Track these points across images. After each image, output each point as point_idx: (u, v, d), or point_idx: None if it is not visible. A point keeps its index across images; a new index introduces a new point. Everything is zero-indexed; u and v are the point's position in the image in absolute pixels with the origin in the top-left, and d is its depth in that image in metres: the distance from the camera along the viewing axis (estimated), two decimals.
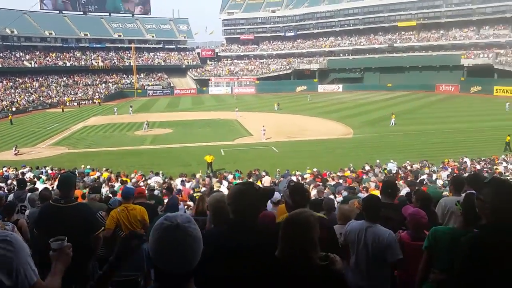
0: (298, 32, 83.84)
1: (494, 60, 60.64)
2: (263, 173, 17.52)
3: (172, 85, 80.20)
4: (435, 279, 3.15)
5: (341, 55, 78.06)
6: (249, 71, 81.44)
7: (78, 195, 8.56)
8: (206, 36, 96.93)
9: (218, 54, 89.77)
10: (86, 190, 9.94)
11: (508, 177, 14.77)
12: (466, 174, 15.03)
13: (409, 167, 18.20)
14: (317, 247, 2.30)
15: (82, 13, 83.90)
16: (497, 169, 16.98)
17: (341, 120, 39.63)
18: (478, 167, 18.06)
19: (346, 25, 78.96)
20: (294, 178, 15.10)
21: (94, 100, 65.20)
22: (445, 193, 8.39)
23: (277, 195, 5.82)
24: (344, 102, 54.72)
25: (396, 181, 12.99)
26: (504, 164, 18.99)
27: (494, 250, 2.21)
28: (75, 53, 78.09)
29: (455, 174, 13.55)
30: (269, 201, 5.83)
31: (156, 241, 1.63)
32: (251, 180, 14.49)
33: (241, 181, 3.58)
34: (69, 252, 2.36)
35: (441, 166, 18.22)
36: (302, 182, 14.34)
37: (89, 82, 73.21)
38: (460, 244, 2.43)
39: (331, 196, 9.50)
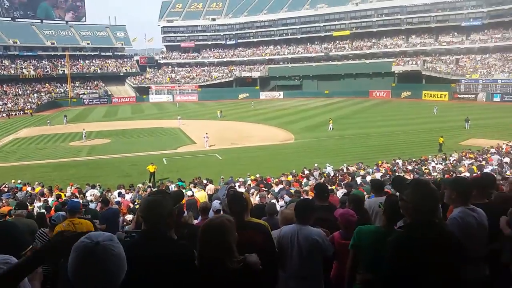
0: (238, 40, 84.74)
1: (422, 67, 65.21)
2: (206, 181, 17.46)
3: (109, 93, 77.42)
4: (362, 280, 3.23)
5: (281, 63, 79.97)
6: (191, 79, 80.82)
7: (5, 211, 7.98)
8: (145, 43, 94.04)
9: (158, 61, 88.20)
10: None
11: (437, 176, 15.96)
12: (399, 174, 16.04)
13: (345, 170, 19.03)
14: (233, 251, 2.32)
15: (9, 19, 78.58)
16: (427, 169, 18.25)
17: (282, 126, 40.49)
18: (409, 167, 19.26)
19: (284, 34, 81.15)
20: (237, 185, 15.22)
21: (26, 111, 61.18)
22: None
23: (215, 204, 5.74)
24: (285, 109, 55.99)
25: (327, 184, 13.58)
26: (433, 163, 20.43)
27: (419, 246, 2.38)
28: (3, 61, 72.91)
29: (375, 178, 14.44)
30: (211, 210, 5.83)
31: (74, 260, 1.52)
32: (194, 188, 14.40)
33: (155, 190, 3.50)
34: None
35: (375, 167, 19.24)
36: (246, 189, 14.50)
37: (20, 92, 68.59)
38: (387, 244, 2.55)
39: (274, 201, 9.72)
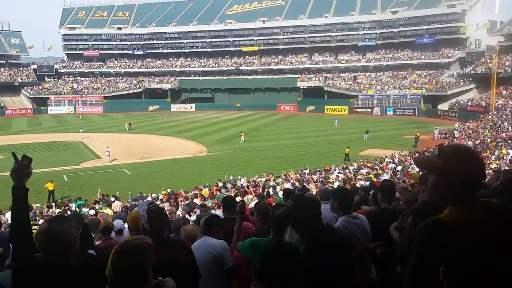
0: (147, 51, 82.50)
1: (323, 83, 69.72)
2: (113, 198, 16.56)
3: (2, 104, 69.83)
4: None
5: (192, 75, 79.61)
6: (95, 89, 76.42)
7: None
8: (44, 51, 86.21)
9: (58, 70, 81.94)
10: None
11: (339, 183, 17.06)
12: (306, 185, 16.83)
13: (257, 181, 19.50)
14: (150, 277, 2.15)
15: None
16: (329, 178, 19.44)
17: (195, 139, 40.20)
18: (315, 177, 20.37)
19: (195, 47, 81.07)
20: (149, 199, 14.68)
21: None
22: None
23: (117, 224, 5.37)
24: (197, 121, 55.71)
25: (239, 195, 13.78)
26: (336, 172, 21.83)
27: (320, 257, 2.50)
28: None
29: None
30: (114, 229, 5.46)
31: None
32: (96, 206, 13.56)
33: (53, 217, 3.18)
34: None
35: (284, 178, 20.01)
36: (157, 203, 14.04)
37: None
38: (300, 258, 2.62)
39: (186, 216, 9.56)
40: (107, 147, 30.86)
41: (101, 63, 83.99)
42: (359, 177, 18.71)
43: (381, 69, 69.19)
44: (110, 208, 13.73)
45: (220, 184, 18.84)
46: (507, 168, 14.74)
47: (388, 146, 33.50)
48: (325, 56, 75.06)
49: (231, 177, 21.41)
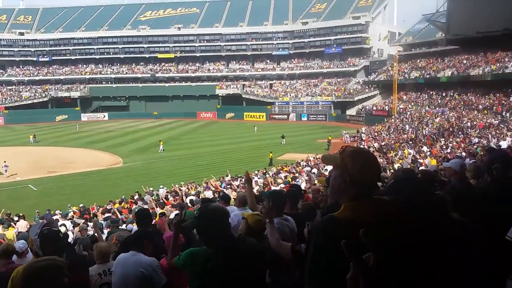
0: (53, 58, 76.81)
1: (242, 90, 70.86)
2: (16, 217, 15.07)
3: None
4: None
5: (104, 82, 75.81)
6: None
7: None
8: None
9: None
10: None
11: (259, 188, 17.39)
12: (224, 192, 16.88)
13: (178, 190, 19.09)
14: None
15: None
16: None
17: (109, 150, 38.29)
18: (236, 183, 20.54)
19: (106, 53, 77.28)
20: (56, 218, 13.64)
21: None
22: None
23: (19, 245, 4.85)
24: (111, 131, 53.10)
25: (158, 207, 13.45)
26: (256, 178, 22.23)
27: (225, 267, 2.46)
28: None
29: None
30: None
31: None
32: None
33: None
34: None
35: (204, 185, 19.89)
36: (67, 221, 13.11)
37: None
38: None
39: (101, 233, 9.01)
40: (4, 161, 28.39)
41: (2, 71, 76.43)
42: (278, 180, 19.27)
43: (295, 77, 72.23)
44: (14, 228, 12.48)
45: (137, 197, 18.12)
46: (409, 167, 16.25)
47: (304, 150, 35.02)
48: (242, 64, 76.37)
49: (150, 188, 20.73)
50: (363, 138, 36.66)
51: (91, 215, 15.08)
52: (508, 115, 31.24)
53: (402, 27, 71.66)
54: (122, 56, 76.98)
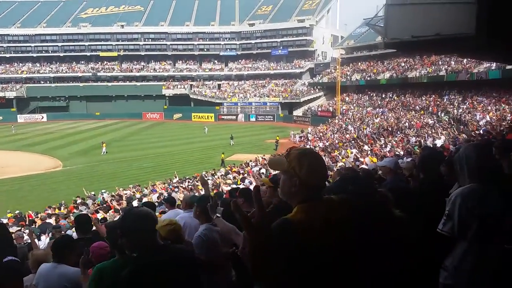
0: None
1: (189, 91, 69.97)
2: None
3: None
4: None
5: (42, 82, 71.63)
6: None
7: None
8: None
9: None
10: None
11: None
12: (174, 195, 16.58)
13: (122, 194, 18.48)
14: None
15: None
16: (198, 186, 19.53)
17: (47, 152, 36.26)
18: (184, 185, 20.25)
19: (44, 51, 73.06)
20: None
21: None
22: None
23: None
24: (50, 133, 50.28)
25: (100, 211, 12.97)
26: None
27: (148, 276, 2.32)
28: None
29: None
30: None
31: None
32: None
33: None
34: None
35: (151, 189, 19.41)
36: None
37: None
38: (120, 281, 2.33)
39: (36, 240, 8.48)
40: None
41: None
42: (228, 181, 19.25)
43: (243, 78, 72.52)
44: None
45: (79, 201, 17.30)
46: (351, 165, 16.86)
47: (253, 150, 35.26)
48: (189, 64, 75.42)
49: (92, 193, 19.88)
50: (309, 138, 37.57)
51: (27, 222, 14.17)
52: (442, 115, 33.37)
53: (345, 31, 74.33)
54: (61, 54, 73.22)
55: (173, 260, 2.44)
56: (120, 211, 11.86)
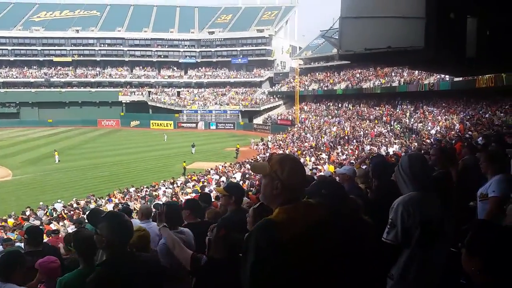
0: None
1: (147, 98, 68.67)
2: None
3: None
4: None
5: None
6: None
7: None
8: None
9: None
10: None
11: (166, 199, 16.96)
12: (129, 202, 16.18)
13: (75, 204, 17.78)
14: None
15: None
16: (157, 194, 19.18)
17: None
18: (141, 194, 19.79)
19: None
20: None
21: None
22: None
23: None
24: None
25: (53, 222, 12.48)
26: (163, 188, 21.65)
27: (113, 283, 2.32)
28: None
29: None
30: None
31: None
32: None
33: None
34: None
35: (107, 198, 18.82)
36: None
37: None
38: (87, 285, 2.34)
39: None
40: None
41: None
42: (187, 190, 19.00)
43: (203, 86, 72.20)
44: None
45: (29, 212, 16.46)
46: (309, 173, 17.16)
47: (213, 158, 35.06)
48: (147, 70, 74.14)
49: (41, 203, 19.00)
50: (269, 146, 37.92)
51: None
52: (395, 124, 34.79)
53: (303, 42, 75.96)
54: (12, 58, 69.79)
55: (140, 269, 2.42)
56: (74, 223, 11.40)
